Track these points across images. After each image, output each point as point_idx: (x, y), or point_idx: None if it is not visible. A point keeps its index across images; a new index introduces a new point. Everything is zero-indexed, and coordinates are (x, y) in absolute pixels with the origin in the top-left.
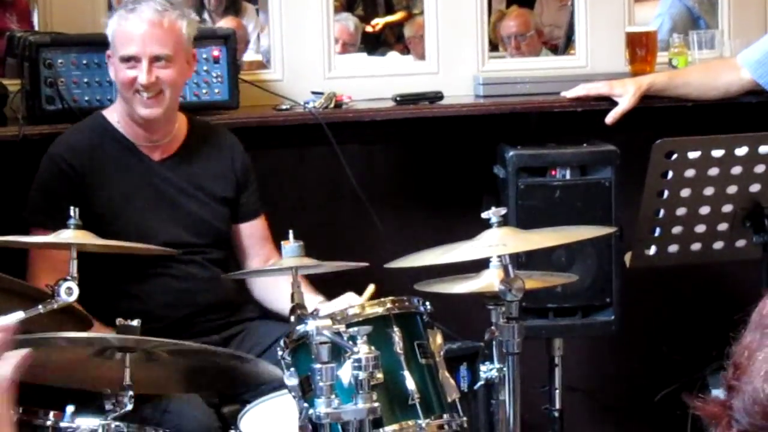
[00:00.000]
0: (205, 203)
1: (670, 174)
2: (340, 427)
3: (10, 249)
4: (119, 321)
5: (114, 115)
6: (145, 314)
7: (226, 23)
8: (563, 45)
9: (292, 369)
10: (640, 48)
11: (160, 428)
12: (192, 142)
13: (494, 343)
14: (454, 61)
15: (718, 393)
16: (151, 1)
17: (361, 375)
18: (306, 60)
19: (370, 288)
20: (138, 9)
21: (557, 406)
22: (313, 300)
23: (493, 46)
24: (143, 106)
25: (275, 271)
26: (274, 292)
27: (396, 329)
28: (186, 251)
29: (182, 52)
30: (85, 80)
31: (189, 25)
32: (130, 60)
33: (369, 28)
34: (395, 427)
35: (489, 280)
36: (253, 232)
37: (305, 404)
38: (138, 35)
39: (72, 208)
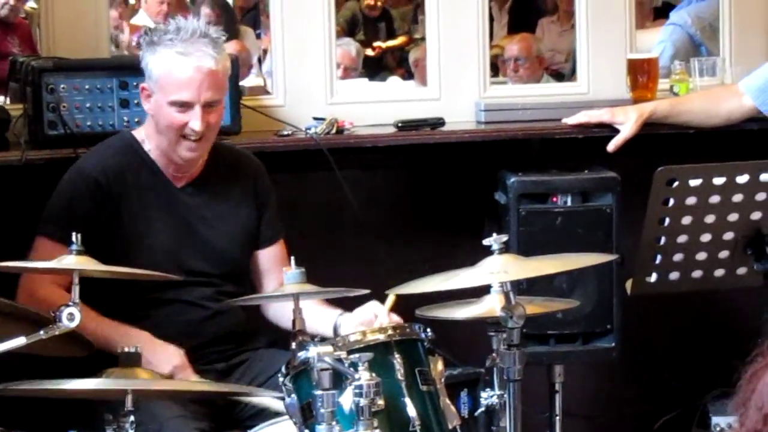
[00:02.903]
0: (225, 232)
1: (672, 201)
2: None
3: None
4: (120, 348)
5: (143, 136)
6: None
7: (228, 47)
8: (569, 72)
9: (293, 395)
10: (642, 74)
11: None
12: (213, 168)
13: (495, 369)
14: (456, 87)
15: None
16: (204, 45)
17: (363, 402)
18: (308, 85)
19: (391, 297)
20: (193, 54)
21: None
22: (332, 314)
23: (494, 70)
24: (188, 150)
25: (276, 298)
26: (286, 314)
27: (397, 356)
28: (200, 282)
29: (226, 92)
30: (88, 105)
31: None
32: (182, 105)
33: (370, 52)
34: None
35: (490, 306)
36: (271, 257)
37: (306, 431)
38: (193, 81)
39: (74, 233)
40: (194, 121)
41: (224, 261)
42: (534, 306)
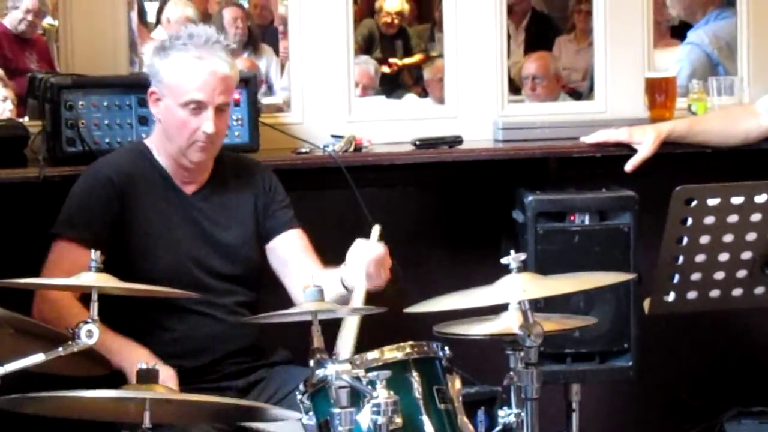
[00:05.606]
0: (239, 233)
1: (690, 221)
2: None
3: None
4: (140, 366)
5: (153, 145)
6: (170, 357)
7: (239, 64)
8: (586, 91)
9: (311, 413)
10: (660, 93)
11: None
12: (219, 173)
13: (512, 388)
14: (474, 105)
15: None
16: (218, 50)
17: (380, 420)
18: (326, 103)
19: (376, 228)
20: (208, 59)
21: None
22: (333, 274)
23: (513, 87)
24: (198, 152)
25: (294, 315)
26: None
27: (415, 374)
28: (218, 289)
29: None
30: (106, 122)
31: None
32: (194, 106)
33: (386, 69)
34: None
35: (507, 323)
36: (289, 244)
37: None
38: (208, 84)
39: (93, 251)
40: (207, 123)
41: (241, 260)
42: (551, 323)
